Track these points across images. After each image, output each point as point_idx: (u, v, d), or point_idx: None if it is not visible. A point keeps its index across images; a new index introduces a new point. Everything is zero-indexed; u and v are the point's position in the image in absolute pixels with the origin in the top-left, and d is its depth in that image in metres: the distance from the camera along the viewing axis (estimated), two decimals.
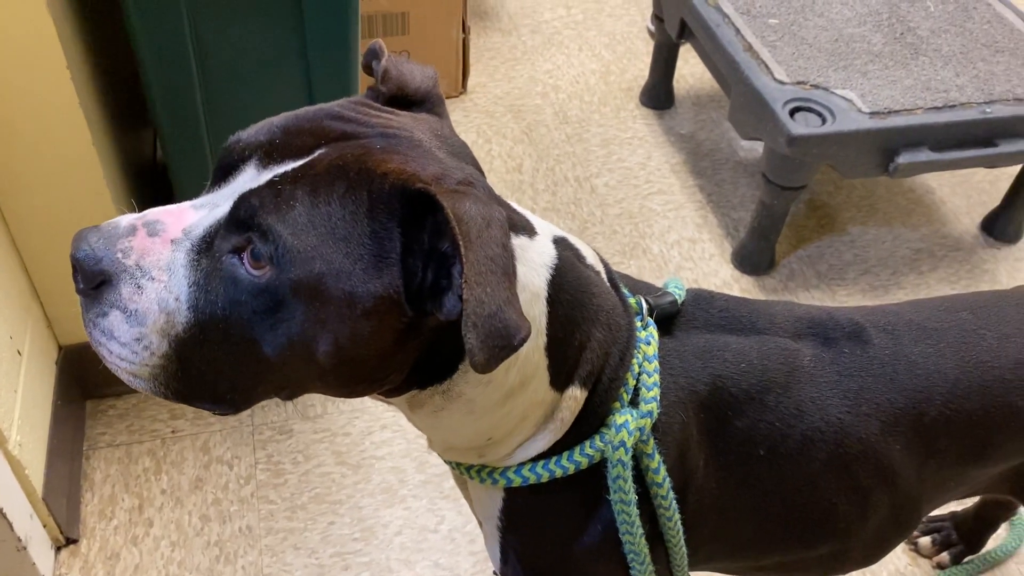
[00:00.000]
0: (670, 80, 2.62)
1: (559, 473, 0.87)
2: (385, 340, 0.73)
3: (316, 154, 0.73)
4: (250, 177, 0.73)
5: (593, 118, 2.60)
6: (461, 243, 0.66)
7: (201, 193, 0.77)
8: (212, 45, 1.39)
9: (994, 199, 2.35)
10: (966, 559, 1.62)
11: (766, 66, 2.05)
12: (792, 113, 1.93)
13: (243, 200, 0.71)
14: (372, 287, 0.70)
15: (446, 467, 1.54)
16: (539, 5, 3.05)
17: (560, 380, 0.84)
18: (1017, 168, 2.18)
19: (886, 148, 1.94)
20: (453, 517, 1.66)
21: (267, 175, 0.72)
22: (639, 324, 0.91)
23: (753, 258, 2.16)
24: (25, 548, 1.42)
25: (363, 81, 1.19)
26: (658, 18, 2.49)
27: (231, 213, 0.71)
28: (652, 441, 0.89)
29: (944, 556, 1.61)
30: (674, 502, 0.91)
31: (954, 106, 1.97)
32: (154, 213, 0.74)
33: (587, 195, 2.35)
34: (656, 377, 0.89)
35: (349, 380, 0.76)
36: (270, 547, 1.60)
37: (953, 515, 1.64)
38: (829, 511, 1.00)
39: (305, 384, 0.77)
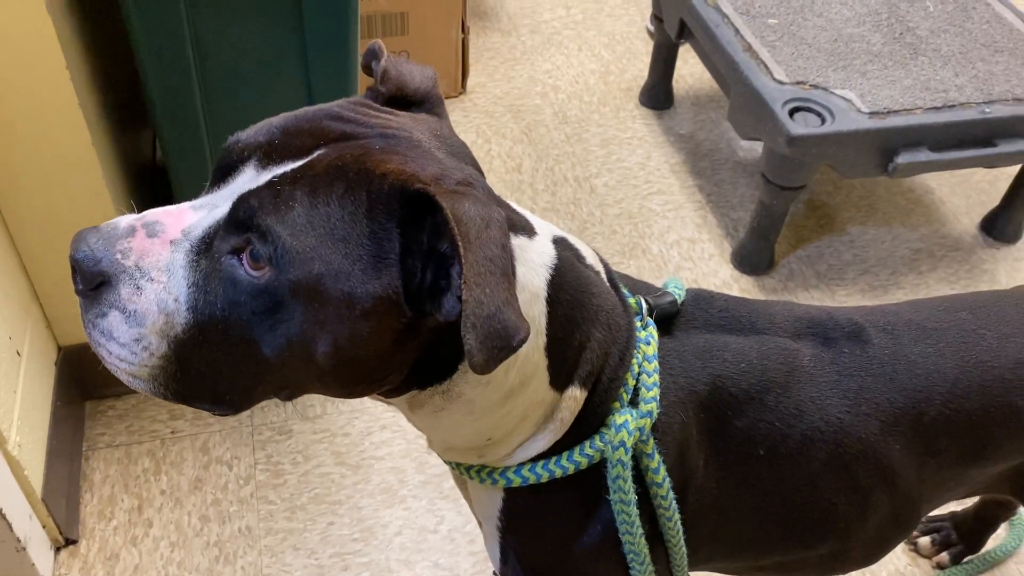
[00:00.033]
0: (669, 80, 2.62)
1: (559, 473, 0.87)
2: (384, 341, 0.73)
3: (315, 155, 0.73)
4: (249, 178, 0.73)
5: (592, 118, 2.60)
6: (460, 244, 0.66)
7: (200, 194, 0.77)
8: (212, 45, 1.39)
9: (993, 199, 2.35)
10: (966, 559, 1.62)
11: (765, 66, 2.05)
12: (791, 113, 1.93)
13: (242, 201, 0.71)
14: (371, 288, 0.70)
15: (446, 467, 1.54)
16: (538, 5, 3.05)
17: (560, 380, 0.84)
18: (1016, 168, 2.19)
19: (885, 148, 1.94)
20: (453, 517, 1.66)
21: (266, 176, 0.72)
22: (639, 324, 0.91)
23: (752, 258, 2.16)
24: (24, 549, 1.41)
25: (362, 81, 1.19)
26: (657, 18, 2.49)
27: (230, 214, 0.71)
28: (652, 441, 0.89)
29: (944, 556, 1.61)
30: (674, 502, 0.91)
31: (953, 106, 1.97)
32: (153, 214, 0.74)
33: (586, 195, 2.35)
34: (656, 377, 0.89)
35: (348, 381, 0.76)
36: (269, 547, 1.60)
37: (953, 515, 1.64)
38: (829, 511, 1.00)
39: (304, 385, 0.77)
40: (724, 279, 2.15)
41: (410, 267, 0.71)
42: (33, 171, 1.43)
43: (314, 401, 1.83)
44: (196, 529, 1.61)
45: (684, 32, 2.35)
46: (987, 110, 1.96)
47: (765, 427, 0.95)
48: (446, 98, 1.91)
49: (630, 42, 2.91)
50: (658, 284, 1.00)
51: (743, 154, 2.51)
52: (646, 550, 0.91)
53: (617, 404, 0.88)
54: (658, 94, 2.64)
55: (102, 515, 1.63)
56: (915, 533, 1.65)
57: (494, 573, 1.02)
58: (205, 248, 0.72)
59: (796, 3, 2.27)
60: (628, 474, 0.87)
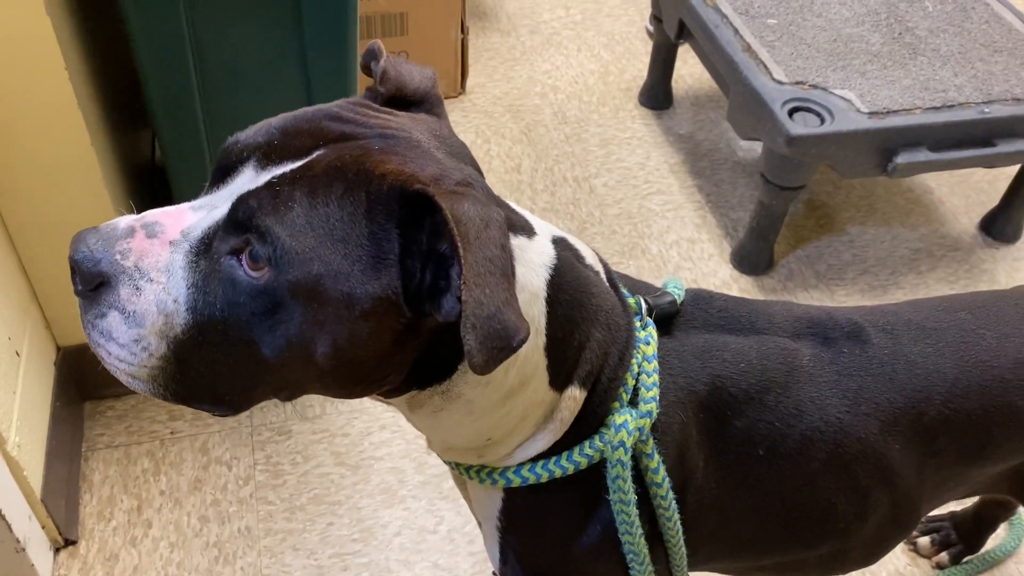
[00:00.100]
0: (669, 80, 2.62)
1: (558, 473, 0.87)
2: (383, 341, 0.73)
3: (314, 155, 0.72)
4: (248, 178, 0.73)
5: (592, 118, 2.61)
6: (459, 244, 0.66)
7: (199, 194, 0.77)
8: (211, 46, 1.39)
9: (992, 199, 2.36)
10: (965, 559, 1.62)
11: (765, 66, 2.05)
12: (791, 113, 1.93)
13: (241, 201, 0.71)
14: (370, 288, 0.70)
15: (445, 467, 1.54)
16: (538, 5, 3.05)
17: (559, 380, 0.84)
18: (1015, 168, 2.19)
19: (885, 148, 1.94)
20: (452, 518, 1.66)
21: (265, 176, 0.72)
22: (638, 324, 0.91)
23: (752, 258, 2.16)
24: (24, 549, 1.41)
25: (362, 82, 1.19)
26: (656, 18, 2.49)
27: (229, 214, 0.71)
28: (651, 441, 0.89)
29: (943, 556, 1.61)
30: (673, 502, 0.91)
31: (952, 106, 1.97)
32: (153, 215, 0.74)
33: (586, 195, 2.35)
34: (655, 377, 0.89)
35: (348, 381, 0.76)
36: (269, 548, 1.60)
37: (952, 515, 1.64)
38: (828, 511, 1.00)
39: (304, 385, 0.77)
40: (723, 279, 2.15)
41: (409, 267, 0.71)
42: (32, 172, 1.43)
43: (313, 401, 1.82)
44: (195, 530, 1.61)
45: (683, 32, 2.35)
46: (986, 110, 1.97)
47: (765, 427, 0.95)
48: (445, 98, 1.91)
49: (629, 42, 2.91)
50: (657, 284, 1.00)
51: (742, 154, 2.52)
52: (646, 550, 0.91)
53: (617, 404, 0.88)
54: (657, 94, 2.64)
55: (101, 516, 1.63)
56: (915, 533, 1.65)
57: (494, 573, 1.02)
58: (204, 249, 0.72)
59: (795, 3, 2.27)
60: (628, 474, 0.87)
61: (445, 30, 2.45)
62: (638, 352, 0.89)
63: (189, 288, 0.72)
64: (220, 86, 1.44)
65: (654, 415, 0.88)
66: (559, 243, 0.85)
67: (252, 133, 0.76)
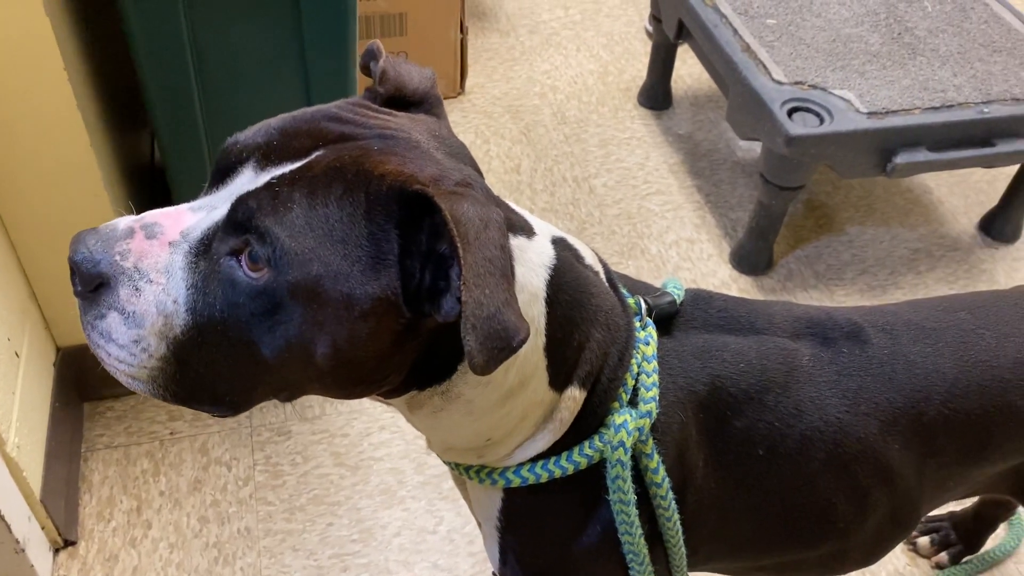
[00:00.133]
0: (668, 80, 2.62)
1: (558, 473, 0.87)
2: (383, 342, 0.73)
3: (314, 156, 0.72)
4: (248, 179, 0.73)
5: (591, 118, 2.61)
6: (459, 245, 0.66)
7: (199, 195, 0.77)
8: (210, 46, 1.39)
9: (992, 199, 2.36)
10: (965, 559, 1.62)
11: (764, 66, 2.05)
12: (790, 113, 1.93)
13: (241, 202, 0.71)
14: (370, 289, 0.70)
15: (445, 468, 1.54)
16: (537, 6, 3.05)
17: (559, 380, 0.84)
18: (1015, 168, 2.19)
19: (884, 148, 1.94)
20: (452, 518, 1.66)
21: (265, 177, 0.72)
22: (638, 324, 0.91)
23: (751, 258, 2.16)
24: (23, 550, 1.41)
25: (361, 82, 1.19)
26: (656, 18, 2.49)
27: (229, 215, 0.71)
28: (651, 441, 0.89)
29: (943, 556, 1.61)
30: (673, 502, 0.91)
31: (952, 106, 1.98)
32: (152, 215, 0.74)
33: (585, 195, 2.35)
34: (655, 377, 0.89)
35: (347, 382, 0.76)
36: (268, 548, 1.60)
37: (952, 515, 1.64)
38: (828, 511, 1.00)
39: (304, 386, 0.77)
40: (723, 279, 2.15)
41: (409, 268, 0.71)
42: (31, 172, 1.43)
43: (313, 402, 1.82)
44: (195, 530, 1.61)
45: (682, 32, 2.35)
46: (985, 110, 1.97)
47: (764, 427, 0.95)
48: (444, 98, 1.91)
49: (628, 42, 2.91)
50: (657, 284, 1.00)
51: (742, 154, 2.52)
52: (645, 550, 0.91)
53: (616, 404, 0.88)
54: (657, 94, 2.64)
55: (101, 516, 1.62)
56: (914, 533, 1.65)
57: (493, 574, 1.02)
58: (204, 250, 0.72)
59: (794, 3, 2.27)
60: (627, 474, 0.87)
61: (444, 30, 2.45)
62: (638, 352, 0.89)
63: (188, 289, 0.72)
64: (219, 86, 1.44)
65: (654, 415, 0.88)
66: (559, 243, 0.85)
67: (251, 134, 0.76)
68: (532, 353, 0.81)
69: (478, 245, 0.66)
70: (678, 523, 0.92)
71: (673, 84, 2.65)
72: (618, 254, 2.19)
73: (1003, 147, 1.98)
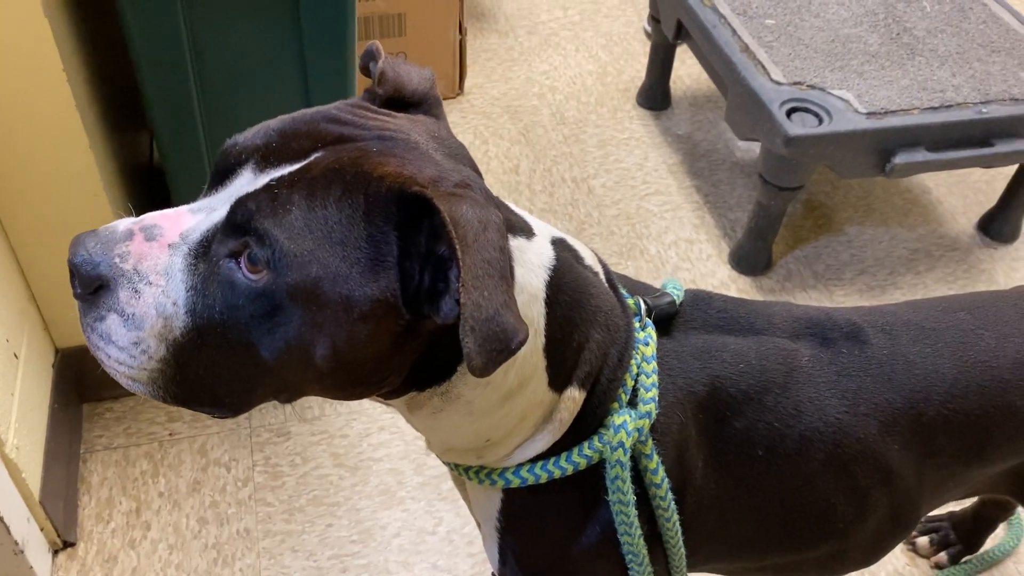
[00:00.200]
0: (667, 81, 2.62)
1: (558, 474, 0.87)
2: (382, 343, 0.73)
3: (313, 157, 0.72)
4: (247, 181, 0.73)
5: (590, 119, 2.61)
6: (458, 247, 0.66)
7: (198, 197, 0.77)
8: (209, 48, 1.39)
9: (990, 199, 2.36)
10: (964, 559, 1.62)
11: (763, 67, 2.06)
12: (789, 114, 1.93)
13: (240, 204, 0.71)
14: (369, 291, 0.70)
15: (444, 468, 1.54)
16: (536, 6, 3.05)
17: (559, 381, 0.84)
18: (1013, 168, 2.19)
19: (883, 148, 1.94)
20: (451, 519, 1.66)
21: (264, 179, 0.72)
22: (637, 325, 0.91)
23: (750, 258, 2.17)
24: (22, 551, 1.41)
25: (360, 83, 1.19)
26: (655, 19, 2.49)
27: (228, 217, 0.71)
28: (651, 442, 0.89)
29: (942, 556, 1.61)
30: (672, 503, 0.91)
31: (950, 106, 1.98)
32: (151, 217, 0.74)
33: (584, 196, 2.35)
34: (654, 378, 0.89)
35: (347, 383, 0.76)
36: (268, 549, 1.60)
37: (951, 515, 1.64)
38: (827, 511, 1.00)
39: (303, 387, 0.77)
40: (722, 279, 2.15)
41: (408, 270, 0.71)
42: (31, 174, 1.43)
43: (312, 403, 1.82)
44: (194, 531, 1.61)
45: (681, 33, 2.35)
46: (984, 110, 1.97)
47: (764, 427, 0.95)
48: (443, 99, 1.91)
49: (627, 43, 2.91)
50: (656, 285, 1.00)
51: (741, 154, 2.52)
52: (645, 551, 0.91)
53: (616, 405, 0.88)
54: (655, 95, 2.64)
55: (100, 518, 1.62)
56: (914, 533, 1.65)
57: (493, 574, 1.02)
58: (203, 252, 0.72)
59: (793, 4, 2.27)
60: (627, 475, 0.87)
61: (443, 31, 2.45)
62: (637, 353, 0.89)
63: (188, 291, 0.72)
64: (218, 88, 1.44)
65: (653, 416, 0.88)
66: (558, 244, 0.85)
67: (250, 135, 0.76)
68: (532, 354, 0.81)
69: (477, 247, 0.66)
70: (677, 524, 0.92)
71: (672, 84, 2.65)
72: (617, 254, 2.19)
73: (1002, 147, 1.98)
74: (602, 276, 0.91)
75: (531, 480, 0.88)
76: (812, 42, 2.14)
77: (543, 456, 0.88)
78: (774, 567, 1.09)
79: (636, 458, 0.89)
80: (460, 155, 0.81)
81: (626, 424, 0.86)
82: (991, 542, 1.63)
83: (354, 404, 1.82)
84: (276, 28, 1.40)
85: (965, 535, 1.61)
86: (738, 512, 0.99)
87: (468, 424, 0.84)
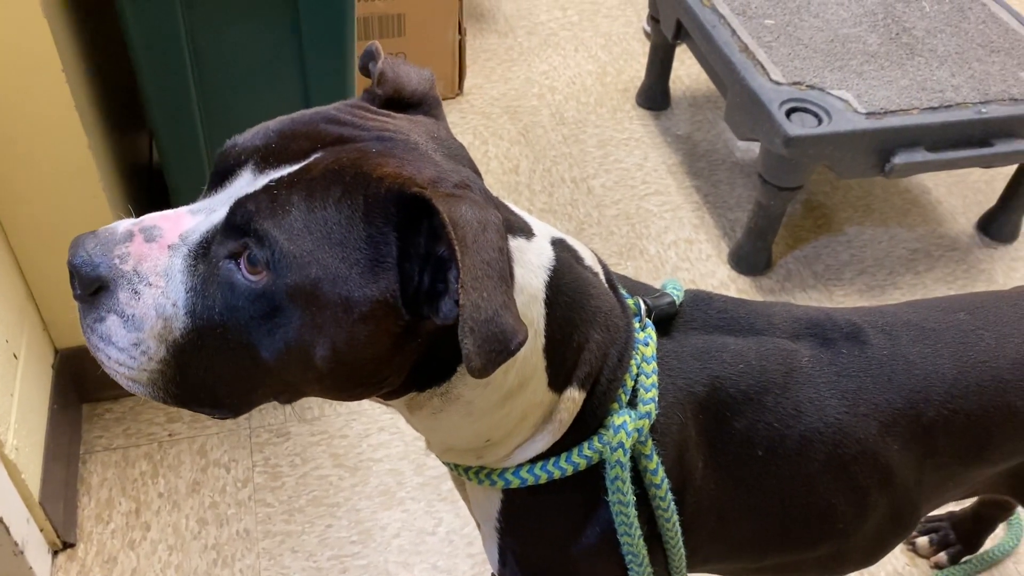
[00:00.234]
0: (666, 81, 2.63)
1: (557, 474, 0.87)
2: (382, 344, 0.73)
3: (312, 158, 0.72)
4: (246, 182, 0.73)
5: (589, 119, 2.61)
6: (457, 248, 0.65)
7: (198, 198, 0.77)
8: (208, 48, 1.39)
9: (990, 199, 2.36)
10: (964, 559, 1.62)
11: (762, 67, 2.06)
12: (788, 114, 1.93)
13: (239, 205, 0.71)
14: (368, 291, 0.70)
15: (444, 469, 1.54)
16: (535, 6, 3.05)
17: (558, 381, 0.84)
18: (1013, 168, 2.19)
19: (882, 148, 1.94)
20: (451, 519, 1.66)
21: (263, 180, 0.72)
22: (637, 325, 0.91)
23: (750, 259, 2.17)
24: (22, 552, 1.41)
25: (359, 83, 1.19)
26: (654, 19, 2.49)
27: (227, 218, 0.71)
28: (650, 442, 0.89)
29: (942, 556, 1.61)
30: (672, 503, 0.91)
31: (950, 106, 1.98)
32: (151, 218, 0.74)
33: (584, 196, 2.35)
34: (654, 378, 0.89)
35: (347, 384, 0.76)
36: (268, 550, 1.59)
37: (951, 515, 1.64)
38: (827, 511, 1.00)
39: (303, 388, 0.77)
40: (721, 279, 2.15)
41: (407, 271, 0.71)
42: (30, 175, 1.43)
43: (312, 403, 1.82)
44: (194, 532, 1.61)
45: (681, 33, 2.35)
46: (983, 110, 1.97)
47: (764, 428, 0.95)
48: (443, 99, 1.91)
49: (627, 43, 2.91)
50: (656, 285, 1.00)
51: (740, 155, 2.52)
52: (644, 551, 0.91)
53: (616, 405, 0.88)
54: (655, 95, 2.64)
55: (99, 518, 1.62)
56: (913, 533, 1.65)
57: (492, 575, 1.02)
58: (203, 253, 0.72)
59: (792, 4, 2.27)
60: (627, 475, 0.87)
61: (443, 31, 2.45)
62: (637, 353, 0.89)
63: (188, 292, 0.72)
64: (218, 88, 1.44)
65: (653, 416, 0.88)
66: (558, 244, 0.85)
67: (250, 136, 0.76)
68: (531, 354, 0.81)
69: (476, 248, 0.66)
70: (677, 524, 0.92)
71: (671, 84, 2.66)
72: (617, 255, 2.19)
73: (1001, 147, 1.98)
74: (602, 276, 0.91)
75: (531, 480, 0.88)
76: (811, 42, 2.14)
77: (543, 456, 0.88)
78: (774, 567, 1.09)
79: (636, 459, 0.89)
80: (459, 156, 0.81)
81: (626, 424, 0.86)
82: (991, 542, 1.63)
83: (354, 405, 1.82)
84: (275, 28, 1.40)
85: (965, 535, 1.61)
86: (738, 512, 0.99)
87: (468, 424, 0.84)
